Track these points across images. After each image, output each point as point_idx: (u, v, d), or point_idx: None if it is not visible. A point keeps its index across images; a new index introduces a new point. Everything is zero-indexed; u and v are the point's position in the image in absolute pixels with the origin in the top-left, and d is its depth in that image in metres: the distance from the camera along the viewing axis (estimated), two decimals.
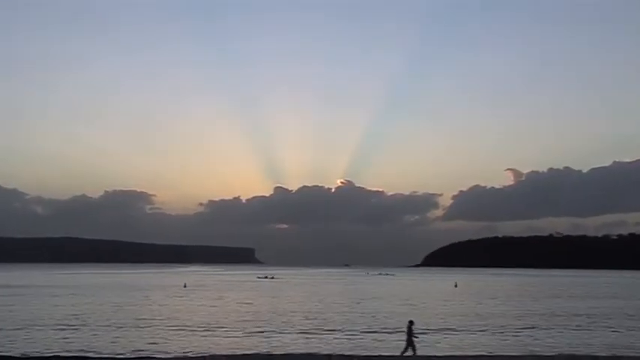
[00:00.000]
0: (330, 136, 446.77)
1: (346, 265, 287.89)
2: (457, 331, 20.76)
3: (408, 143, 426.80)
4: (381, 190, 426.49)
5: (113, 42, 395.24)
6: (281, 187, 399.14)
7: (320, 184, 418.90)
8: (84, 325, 21.68)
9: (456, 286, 60.28)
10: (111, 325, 21.32)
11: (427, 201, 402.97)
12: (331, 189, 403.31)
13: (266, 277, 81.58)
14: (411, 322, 14.01)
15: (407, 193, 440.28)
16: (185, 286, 52.92)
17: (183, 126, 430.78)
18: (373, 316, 25.67)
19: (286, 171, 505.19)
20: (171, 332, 19.51)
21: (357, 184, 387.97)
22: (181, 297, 37.33)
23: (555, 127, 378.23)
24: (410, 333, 13.70)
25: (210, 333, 19.64)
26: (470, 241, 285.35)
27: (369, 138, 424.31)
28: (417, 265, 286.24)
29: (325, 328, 21.19)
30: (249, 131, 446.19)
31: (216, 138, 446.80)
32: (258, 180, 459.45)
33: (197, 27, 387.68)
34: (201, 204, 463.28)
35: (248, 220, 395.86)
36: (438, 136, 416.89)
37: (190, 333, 19.48)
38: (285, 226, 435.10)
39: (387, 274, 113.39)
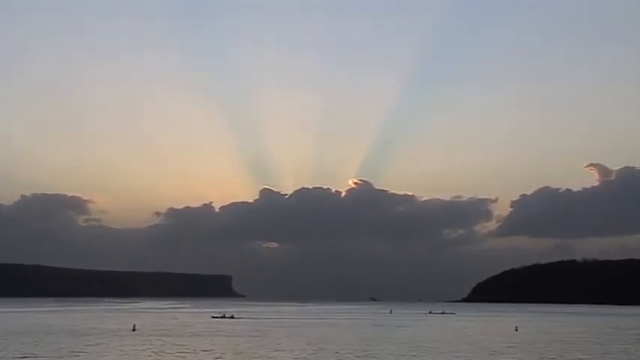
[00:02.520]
0: (339, 119, 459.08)
1: (373, 300, 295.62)
2: None
3: (448, 130, 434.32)
4: (410, 194, 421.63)
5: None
6: (270, 190, 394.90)
7: (325, 186, 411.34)
8: None
9: (516, 330, 60.86)
10: None
11: (475, 209, 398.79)
12: (341, 193, 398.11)
13: (224, 317, 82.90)
14: None
15: (447, 198, 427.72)
16: (134, 330, 53.27)
17: (132, 108, 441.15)
18: None
19: (277, 168, 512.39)
20: None
21: (376, 186, 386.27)
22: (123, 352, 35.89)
23: None
24: None
25: None
26: (536, 267, 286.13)
27: (393, 123, 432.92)
28: (464, 300, 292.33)
29: None
30: (226, 113, 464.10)
31: (179, 123, 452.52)
32: (238, 180, 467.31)
33: None
34: (157, 213, 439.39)
35: (223, 236, 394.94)
36: (491, 120, 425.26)
37: None
38: (274, 244, 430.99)
39: (444, 313, 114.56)
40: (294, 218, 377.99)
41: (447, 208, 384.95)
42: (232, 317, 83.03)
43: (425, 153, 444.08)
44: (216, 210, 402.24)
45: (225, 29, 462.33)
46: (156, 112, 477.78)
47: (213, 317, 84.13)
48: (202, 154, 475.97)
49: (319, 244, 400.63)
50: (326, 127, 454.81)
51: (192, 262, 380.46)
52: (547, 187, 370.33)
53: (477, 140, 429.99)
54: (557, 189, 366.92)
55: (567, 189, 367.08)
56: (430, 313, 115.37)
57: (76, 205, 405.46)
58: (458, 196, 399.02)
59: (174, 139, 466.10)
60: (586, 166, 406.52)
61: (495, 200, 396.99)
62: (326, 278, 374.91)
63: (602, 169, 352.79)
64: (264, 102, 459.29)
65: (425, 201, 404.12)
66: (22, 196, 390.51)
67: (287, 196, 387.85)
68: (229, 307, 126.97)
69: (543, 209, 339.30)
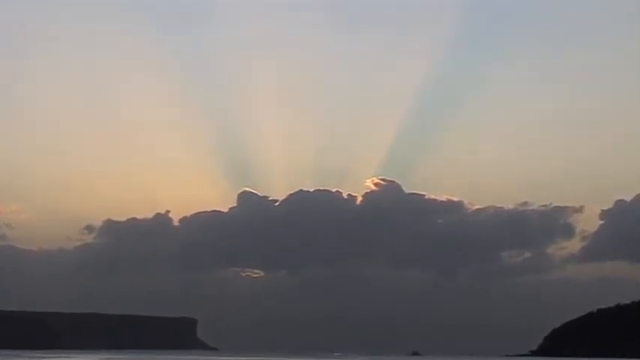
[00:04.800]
0: (352, 95, 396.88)
1: (415, 354, 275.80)
2: None
3: (509, 111, 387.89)
4: (456, 199, 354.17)
5: None
6: (253, 194, 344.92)
7: (333, 189, 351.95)
8: None
9: None
10: None
11: (550, 222, 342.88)
12: (355, 198, 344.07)
13: None
14: None
15: (509, 205, 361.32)
16: None
17: (55, 84, 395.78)
18: None
19: (264, 163, 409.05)
20: None
21: (407, 188, 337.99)
22: None
23: None
24: None
25: None
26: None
27: (430, 99, 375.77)
28: (533, 353, 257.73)
29: None
30: (191, 88, 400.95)
31: (119, 102, 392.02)
32: (206, 180, 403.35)
33: None
34: (89, 228, 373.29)
35: (185, 261, 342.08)
36: (571, 100, 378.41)
37: None
38: (258, 272, 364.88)
39: None
40: (287, 234, 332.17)
41: (508, 221, 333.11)
42: None
43: (477, 142, 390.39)
44: (175, 223, 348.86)
45: None
46: (86, 84, 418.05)
47: None
48: (154, 144, 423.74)
49: (324, 271, 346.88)
50: (333, 106, 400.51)
51: (140, 298, 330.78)
52: None
53: (553, 125, 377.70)
54: None
55: None
56: None
57: None
58: (524, 204, 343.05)
59: (111, 125, 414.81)
60: None
61: (579, 209, 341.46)
62: (335, 321, 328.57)
63: None
64: (246, 73, 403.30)
65: (477, 210, 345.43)
66: None
67: (277, 203, 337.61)
68: None
69: None
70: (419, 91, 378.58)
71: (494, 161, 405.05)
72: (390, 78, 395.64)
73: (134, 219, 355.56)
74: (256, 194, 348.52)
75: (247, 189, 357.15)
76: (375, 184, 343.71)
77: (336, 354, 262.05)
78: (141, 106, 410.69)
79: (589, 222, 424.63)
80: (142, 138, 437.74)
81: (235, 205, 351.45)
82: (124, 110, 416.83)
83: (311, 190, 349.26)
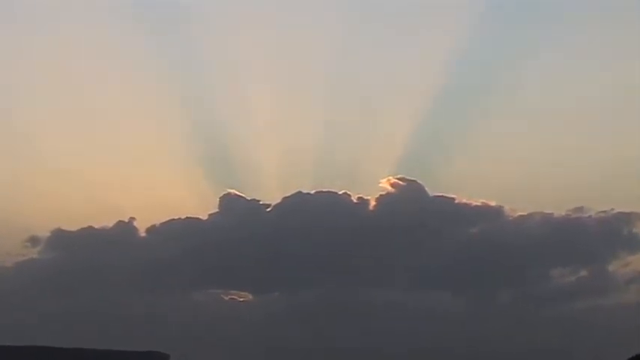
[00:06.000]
0: (363, 76, 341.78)
1: None
2: None
3: (559, 97, 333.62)
4: (493, 204, 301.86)
5: None
6: (239, 198, 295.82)
7: (340, 190, 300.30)
8: None
9: None
10: None
11: (612, 232, 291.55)
12: (368, 201, 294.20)
13: None
14: None
15: (559, 211, 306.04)
16: None
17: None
18: None
19: (252, 159, 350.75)
20: None
21: (431, 190, 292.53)
22: None
23: None
24: None
25: None
26: None
27: (458, 83, 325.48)
28: None
29: None
30: (163, 68, 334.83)
31: (75, 87, 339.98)
32: (180, 180, 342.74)
33: None
34: (33, 240, 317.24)
35: (154, 280, 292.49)
36: None
37: None
38: (246, 294, 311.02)
39: None
40: (282, 247, 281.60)
41: (559, 230, 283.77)
42: None
43: (520, 133, 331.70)
44: (141, 233, 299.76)
45: None
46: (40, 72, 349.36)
47: None
48: (116, 136, 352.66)
49: (327, 294, 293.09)
50: (339, 88, 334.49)
51: (97, 327, 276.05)
52: None
53: (615, 112, 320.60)
54: None
55: None
56: None
57: None
58: (579, 209, 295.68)
59: (62, 115, 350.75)
60: None
61: None
62: (340, 357, 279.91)
63: None
64: (232, 50, 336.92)
65: (520, 217, 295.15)
66: None
67: (269, 209, 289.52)
68: None
69: None
70: (447, 70, 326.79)
71: (541, 157, 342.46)
72: (410, 54, 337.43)
73: (90, 228, 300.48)
74: (243, 197, 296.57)
75: (231, 191, 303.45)
76: (392, 185, 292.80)
77: None
78: (99, 91, 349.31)
79: None
80: (100, 129, 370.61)
81: (217, 210, 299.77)
82: (78, 96, 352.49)
83: (311, 192, 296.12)
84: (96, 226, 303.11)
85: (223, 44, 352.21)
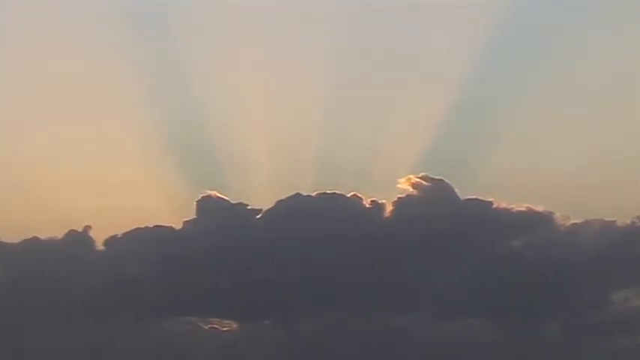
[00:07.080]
0: (377, 57, 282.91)
1: None
2: None
3: (619, 82, 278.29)
4: (540, 209, 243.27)
5: None
6: (221, 202, 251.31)
7: (344, 192, 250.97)
8: None
9: None
10: None
11: None
12: (382, 205, 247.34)
13: None
14: None
15: (624, 220, 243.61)
16: None
17: None
18: None
19: (239, 155, 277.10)
20: None
21: (462, 193, 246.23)
22: None
23: None
24: None
25: None
26: None
27: (495, 64, 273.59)
28: None
29: None
30: (129, 46, 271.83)
31: (22, 70, 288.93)
32: (148, 181, 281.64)
33: None
34: None
35: (113, 305, 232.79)
36: None
37: None
38: (231, 323, 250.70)
39: None
40: (275, 263, 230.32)
41: (622, 243, 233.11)
42: None
43: (572, 124, 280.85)
44: (98, 246, 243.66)
45: None
46: None
47: None
48: (67, 129, 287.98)
49: (331, 321, 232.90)
50: (346, 71, 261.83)
51: None
52: None
53: None
54: None
55: None
56: None
57: None
58: None
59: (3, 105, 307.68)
60: None
61: None
62: None
63: None
64: (216, 26, 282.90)
65: (574, 226, 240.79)
66: None
67: (259, 215, 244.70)
68: None
69: None
70: (482, 45, 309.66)
71: (601, 152, 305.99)
72: (435, 33, 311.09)
73: (35, 240, 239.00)
74: (226, 201, 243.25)
75: (212, 193, 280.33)
76: (414, 186, 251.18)
77: None
78: (51, 74, 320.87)
79: None
80: (48, 121, 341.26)
81: (194, 217, 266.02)
82: (23, 81, 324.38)
83: (312, 194, 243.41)
84: (41, 237, 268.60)
85: (208, 26, 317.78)
